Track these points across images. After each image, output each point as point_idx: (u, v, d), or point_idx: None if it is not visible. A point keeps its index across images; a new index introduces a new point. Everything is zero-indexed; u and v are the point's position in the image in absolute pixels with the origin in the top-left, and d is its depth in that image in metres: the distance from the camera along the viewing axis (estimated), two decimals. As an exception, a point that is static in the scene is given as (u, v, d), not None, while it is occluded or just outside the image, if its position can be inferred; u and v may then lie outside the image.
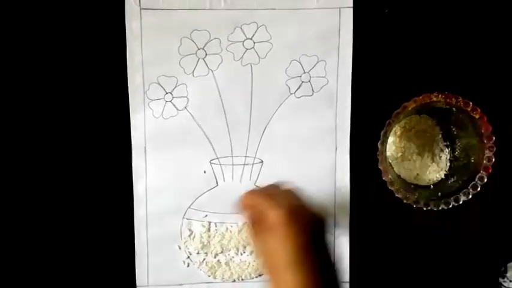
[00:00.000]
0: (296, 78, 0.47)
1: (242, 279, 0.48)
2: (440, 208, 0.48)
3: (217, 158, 0.47)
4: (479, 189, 0.48)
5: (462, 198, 0.49)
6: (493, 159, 0.47)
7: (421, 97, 0.50)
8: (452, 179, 0.51)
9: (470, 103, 0.48)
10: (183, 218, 0.48)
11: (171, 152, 0.47)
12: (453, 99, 0.49)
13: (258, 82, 0.47)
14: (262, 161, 0.47)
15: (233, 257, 0.48)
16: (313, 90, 0.47)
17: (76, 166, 0.48)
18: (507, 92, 0.50)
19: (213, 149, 0.47)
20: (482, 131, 0.47)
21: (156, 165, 0.47)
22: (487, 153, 0.47)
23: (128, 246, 0.48)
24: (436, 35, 0.49)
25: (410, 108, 0.47)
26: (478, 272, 0.51)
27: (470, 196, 0.48)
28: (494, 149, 0.47)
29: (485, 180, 0.47)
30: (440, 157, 0.52)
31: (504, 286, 0.50)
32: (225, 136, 0.47)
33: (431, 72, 0.50)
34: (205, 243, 0.48)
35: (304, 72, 0.47)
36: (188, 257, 0.48)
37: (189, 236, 0.48)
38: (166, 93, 0.47)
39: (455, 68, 0.49)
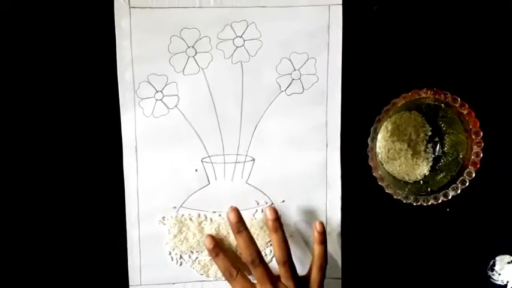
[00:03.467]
0: (286, 75, 0.47)
1: None
2: (429, 203, 0.49)
3: (209, 156, 0.47)
4: (467, 184, 0.48)
5: (451, 193, 0.49)
6: (481, 155, 0.48)
7: (410, 93, 0.50)
8: (441, 175, 0.51)
9: (459, 99, 0.48)
10: (175, 216, 0.48)
11: (162, 151, 0.47)
12: (442, 95, 0.50)
13: (248, 80, 0.47)
14: (253, 159, 0.47)
15: (226, 254, 0.48)
16: (303, 87, 0.47)
17: (66, 166, 0.48)
18: (495, 88, 0.50)
19: (205, 148, 0.47)
20: (470, 127, 0.48)
21: (148, 164, 0.47)
22: (475, 148, 0.48)
23: (120, 246, 0.48)
24: (425, 31, 0.50)
25: (399, 105, 0.47)
26: (467, 265, 0.51)
27: (459, 191, 0.49)
28: (482, 144, 0.47)
29: (474, 175, 0.48)
30: (429, 153, 0.52)
31: (493, 279, 0.50)
32: (216, 134, 0.47)
33: (421, 68, 0.51)
34: (198, 242, 0.48)
35: (295, 70, 0.47)
36: (181, 255, 0.48)
37: (182, 234, 0.48)
38: (157, 91, 0.47)
39: (444, 65, 0.50)
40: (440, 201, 0.49)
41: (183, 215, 0.48)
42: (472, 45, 0.50)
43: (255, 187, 0.47)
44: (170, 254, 0.48)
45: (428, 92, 0.50)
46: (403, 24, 0.49)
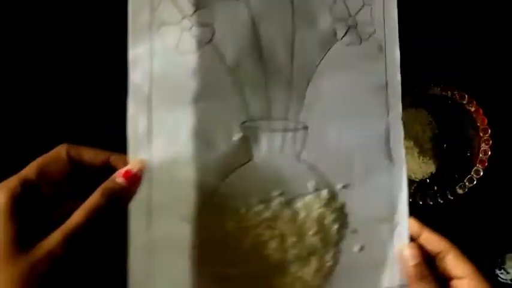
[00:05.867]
0: (342, 21, 0.38)
1: None
2: (437, 202, 0.48)
3: (251, 120, 0.34)
4: (475, 182, 0.48)
5: (459, 192, 0.48)
6: (489, 152, 0.48)
7: (416, 90, 0.48)
8: (448, 173, 0.50)
9: (466, 96, 0.49)
10: (205, 208, 0.31)
11: (187, 106, 0.31)
12: (449, 92, 0.49)
13: (300, 19, 0.36)
14: (306, 127, 0.35)
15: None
16: (361, 38, 0.38)
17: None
18: (503, 85, 0.51)
19: (246, 107, 0.33)
20: (478, 124, 0.49)
21: (167, 127, 0.31)
22: (483, 146, 0.48)
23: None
24: (432, 26, 0.50)
25: (406, 101, 0.44)
26: (475, 263, 0.50)
27: (467, 189, 0.48)
28: (490, 142, 0.48)
29: (481, 173, 0.48)
30: (436, 151, 0.51)
31: (501, 278, 0.50)
32: (261, 90, 0.34)
33: (427, 65, 0.50)
34: (237, 244, 0.32)
35: (350, 16, 0.38)
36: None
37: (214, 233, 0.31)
38: (184, 17, 0.32)
39: (451, 61, 0.50)
40: (447, 199, 0.48)
41: (216, 206, 0.32)
42: (480, 42, 0.51)
43: (309, 165, 0.35)
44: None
45: (435, 88, 0.49)
46: (409, 20, 0.48)
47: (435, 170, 0.50)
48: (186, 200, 0.31)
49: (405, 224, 0.36)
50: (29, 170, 0.25)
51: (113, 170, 0.28)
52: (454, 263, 0.31)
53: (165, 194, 0.30)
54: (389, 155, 0.37)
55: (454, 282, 0.31)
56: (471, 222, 0.50)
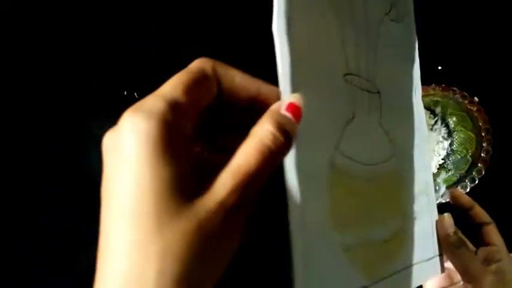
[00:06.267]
0: None
1: None
2: (438, 202, 0.46)
3: (351, 73, 0.27)
4: (477, 182, 0.48)
5: (460, 191, 0.47)
6: (491, 152, 0.49)
7: (420, 87, 0.47)
8: (449, 173, 0.49)
9: (468, 96, 0.49)
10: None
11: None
12: (450, 92, 0.50)
13: None
14: (379, 92, 0.30)
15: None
16: (400, 16, 0.35)
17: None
18: (504, 85, 0.51)
19: (346, 57, 0.27)
20: (480, 124, 0.49)
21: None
22: (485, 146, 0.49)
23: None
24: (434, 26, 0.50)
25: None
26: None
27: (468, 189, 0.48)
28: (492, 141, 0.49)
29: (483, 172, 0.48)
30: (438, 151, 0.49)
31: (501, 279, 0.50)
32: (351, 44, 0.28)
33: (429, 65, 0.49)
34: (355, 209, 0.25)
35: None
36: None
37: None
38: None
39: (453, 61, 0.50)
40: (448, 199, 0.47)
41: (337, 164, 0.24)
42: (482, 42, 0.51)
43: (385, 131, 0.30)
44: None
45: (437, 88, 0.49)
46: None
47: (436, 170, 0.49)
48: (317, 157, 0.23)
49: (433, 197, 0.35)
50: (175, 89, 0.16)
51: (260, 108, 0.19)
52: (494, 232, 0.36)
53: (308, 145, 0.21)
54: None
55: (491, 248, 0.35)
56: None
